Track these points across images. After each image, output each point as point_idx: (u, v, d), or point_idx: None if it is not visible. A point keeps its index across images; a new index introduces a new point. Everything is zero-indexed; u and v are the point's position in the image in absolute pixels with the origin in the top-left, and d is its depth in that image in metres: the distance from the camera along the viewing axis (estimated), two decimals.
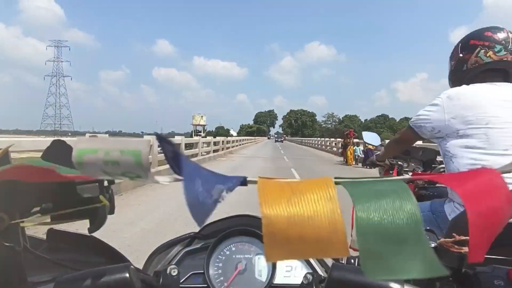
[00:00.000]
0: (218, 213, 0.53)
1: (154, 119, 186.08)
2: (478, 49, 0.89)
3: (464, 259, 0.29)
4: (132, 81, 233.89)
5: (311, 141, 33.00)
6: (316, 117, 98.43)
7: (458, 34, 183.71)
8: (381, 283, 0.28)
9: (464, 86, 0.90)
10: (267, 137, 74.88)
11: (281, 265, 0.46)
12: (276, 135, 68.97)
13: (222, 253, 0.47)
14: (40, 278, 0.33)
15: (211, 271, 0.45)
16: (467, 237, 0.28)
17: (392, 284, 0.27)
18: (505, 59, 0.86)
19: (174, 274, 0.39)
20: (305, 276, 0.39)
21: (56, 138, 0.48)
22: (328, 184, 0.20)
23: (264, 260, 0.46)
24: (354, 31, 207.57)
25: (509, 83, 0.89)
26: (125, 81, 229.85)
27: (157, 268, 0.44)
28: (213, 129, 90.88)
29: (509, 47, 0.86)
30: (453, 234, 0.29)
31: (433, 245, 0.31)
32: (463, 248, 0.28)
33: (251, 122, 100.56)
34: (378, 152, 1.30)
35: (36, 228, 0.30)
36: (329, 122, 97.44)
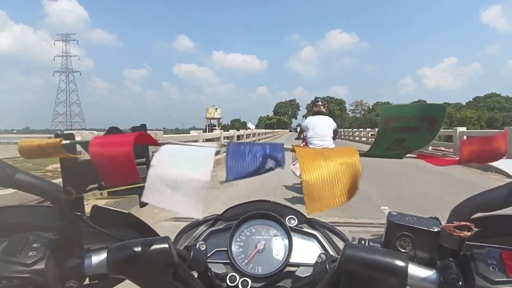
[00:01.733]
0: (240, 199, 0.61)
1: (176, 116, 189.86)
2: (315, 110, 5.09)
3: (463, 242, 0.33)
4: (153, 79, 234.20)
5: (353, 133, 29.76)
6: (345, 105, 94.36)
7: (491, 13, 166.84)
8: (388, 260, 0.32)
9: (312, 116, 5.06)
10: (289, 130, 67.29)
11: (296, 245, 0.52)
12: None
13: (243, 233, 0.54)
14: (91, 247, 0.39)
15: (233, 249, 0.52)
16: (466, 223, 0.33)
17: (397, 262, 0.32)
18: (320, 109, 5.03)
19: (202, 249, 0.46)
20: (319, 256, 0.45)
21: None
22: (352, 151, 0.28)
23: (281, 241, 0.53)
24: (377, 17, 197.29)
25: (322, 115, 5.01)
26: (147, 78, 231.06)
27: (185, 244, 0.53)
28: (229, 122, 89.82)
29: (320, 105, 5.08)
30: (454, 221, 0.34)
31: (436, 229, 0.36)
32: (463, 232, 0.34)
33: (271, 114, 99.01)
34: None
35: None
36: (357, 111, 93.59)
